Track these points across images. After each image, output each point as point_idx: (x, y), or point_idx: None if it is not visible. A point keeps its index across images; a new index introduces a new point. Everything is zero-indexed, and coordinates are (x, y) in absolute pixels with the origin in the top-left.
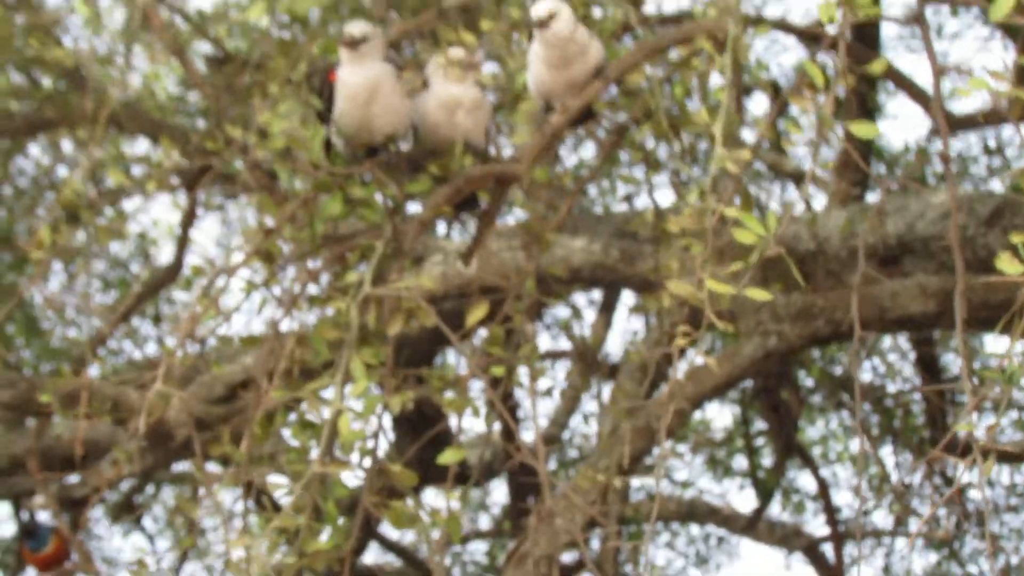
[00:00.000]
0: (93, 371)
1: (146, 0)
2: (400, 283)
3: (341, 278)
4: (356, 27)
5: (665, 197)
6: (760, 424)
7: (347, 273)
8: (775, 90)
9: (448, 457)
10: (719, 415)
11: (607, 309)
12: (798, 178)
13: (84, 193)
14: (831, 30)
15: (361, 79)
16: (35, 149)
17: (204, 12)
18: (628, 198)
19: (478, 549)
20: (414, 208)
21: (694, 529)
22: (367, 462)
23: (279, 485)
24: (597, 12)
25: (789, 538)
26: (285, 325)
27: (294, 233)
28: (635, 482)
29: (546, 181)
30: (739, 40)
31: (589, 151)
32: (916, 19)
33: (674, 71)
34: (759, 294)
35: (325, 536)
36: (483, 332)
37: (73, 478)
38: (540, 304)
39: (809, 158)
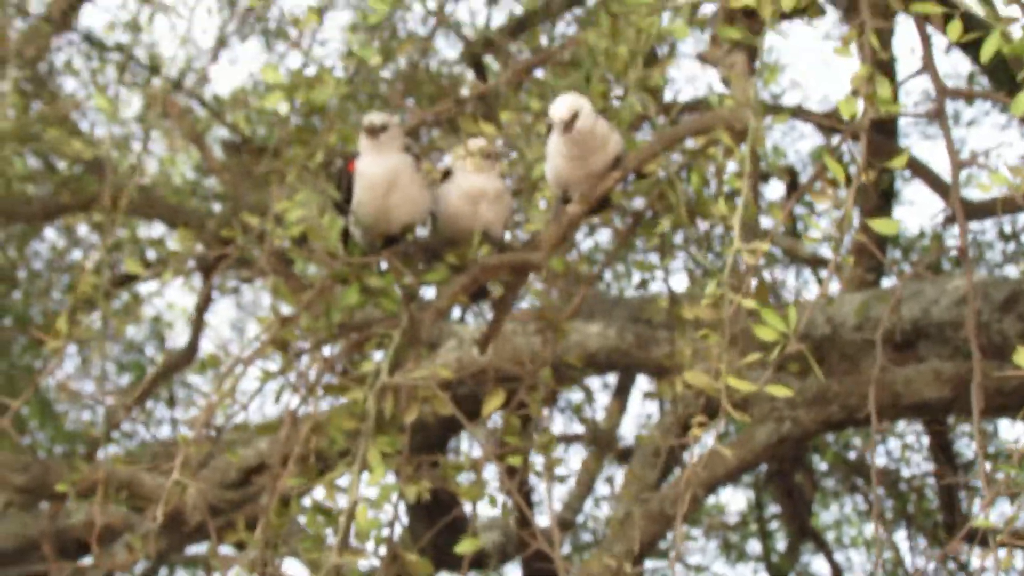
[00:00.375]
0: (107, 453)
1: (163, 87)
2: (417, 372)
3: (358, 367)
4: (377, 116)
5: (680, 283)
6: (774, 508)
7: (364, 362)
8: (792, 176)
9: (465, 547)
10: (733, 499)
11: (622, 393)
12: (814, 263)
13: (101, 283)
14: (850, 121)
15: (380, 169)
16: (51, 232)
17: (222, 98)
18: (643, 283)
19: None
20: (430, 294)
21: None
22: (382, 550)
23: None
24: (615, 102)
25: None
26: (301, 412)
27: (310, 322)
28: (648, 565)
29: (563, 270)
30: (757, 130)
31: (605, 236)
32: (936, 114)
33: (691, 160)
34: (779, 390)
35: None
36: (498, 415)
37: (87, 561)
38: (555, 390)
39: (826, 247)
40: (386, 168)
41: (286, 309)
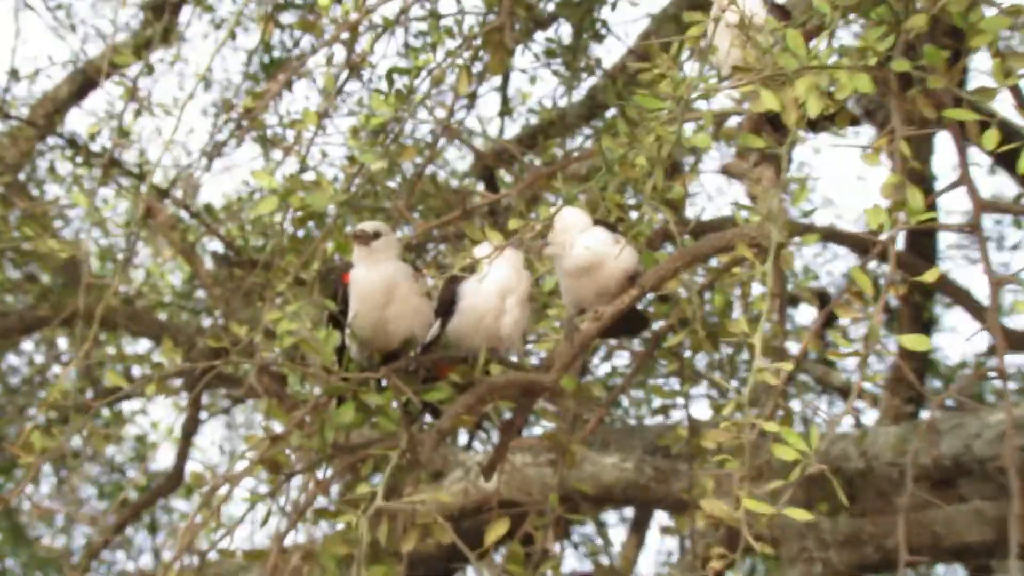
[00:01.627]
0: None
1: (150, 194)
2: (415, 497)
3: (352, 490)
4: (369, 224)
5: (702, 411)
6: None
7: (358, 484)
8: (823, 300)
9: None
10: None
11: (639, 528)
12: (847, 393)
13: (72, 394)
14: (882, 237)
15: (376, 278)
16: (29, 345)
17: (214, 208)
18: (663, 410)
19: None
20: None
21: None
22: None
23: None
24: (633, 214)
25: None
26: (291, 539)
27: (303, 441)
28: None
29: (575, 391)
30: (783, 248)
31: (622, 359)
32: (972, 228)
33: (714, 279)
34: (799, 514)
35: None
36: (504, 551)
37: None
38: (567, 522)
39: (857, 372)
40: (381, 276)
41: (278, 428)
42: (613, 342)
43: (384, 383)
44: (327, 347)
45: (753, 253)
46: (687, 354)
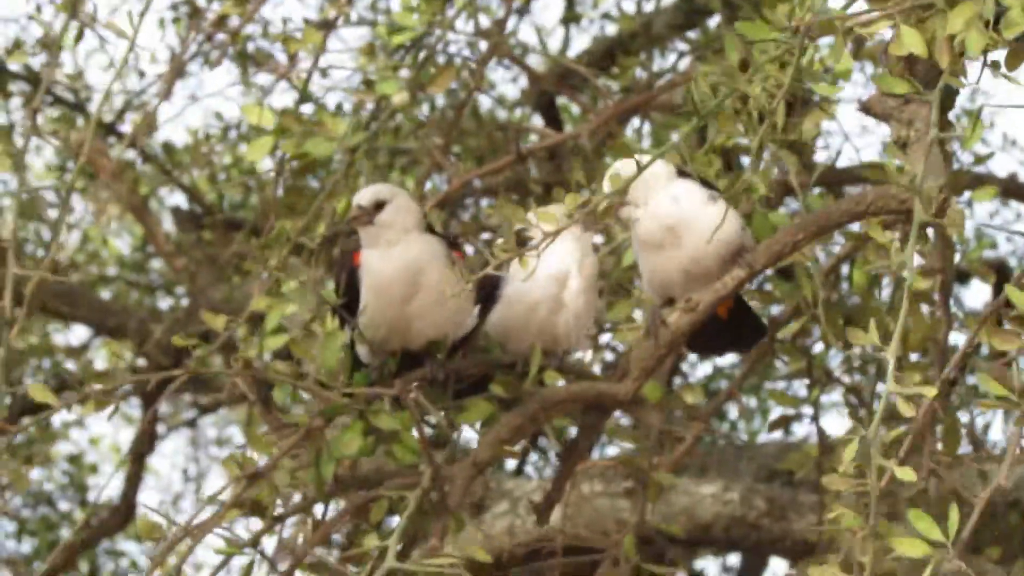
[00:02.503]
0: None
1: (90, 132)
2: (440, 558)
3: (357, 542)
4: (365, 193)
5: (837, 423)
6: None
7: (366, 535)
8: (1002, 274)
9: None
10: None
11: None
12: None
13: None
14: None
15: (395, 266)
16: None
17: (174, 148)
18: (783, 422)
19: None
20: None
21: None
22: None
23: None
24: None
25: None
26: None
27: (294, 475)
28: None
29: (660, 402)
30: (950, 206)
31: (728, 358)
32: None
33: (855, 250)
34: None
35: None
36: None
37: None
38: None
39: None
40: (404, 263)
41: (262, 460)
42: None
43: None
44: (328, 352)
45: (892, 231)
46: (816, 349)
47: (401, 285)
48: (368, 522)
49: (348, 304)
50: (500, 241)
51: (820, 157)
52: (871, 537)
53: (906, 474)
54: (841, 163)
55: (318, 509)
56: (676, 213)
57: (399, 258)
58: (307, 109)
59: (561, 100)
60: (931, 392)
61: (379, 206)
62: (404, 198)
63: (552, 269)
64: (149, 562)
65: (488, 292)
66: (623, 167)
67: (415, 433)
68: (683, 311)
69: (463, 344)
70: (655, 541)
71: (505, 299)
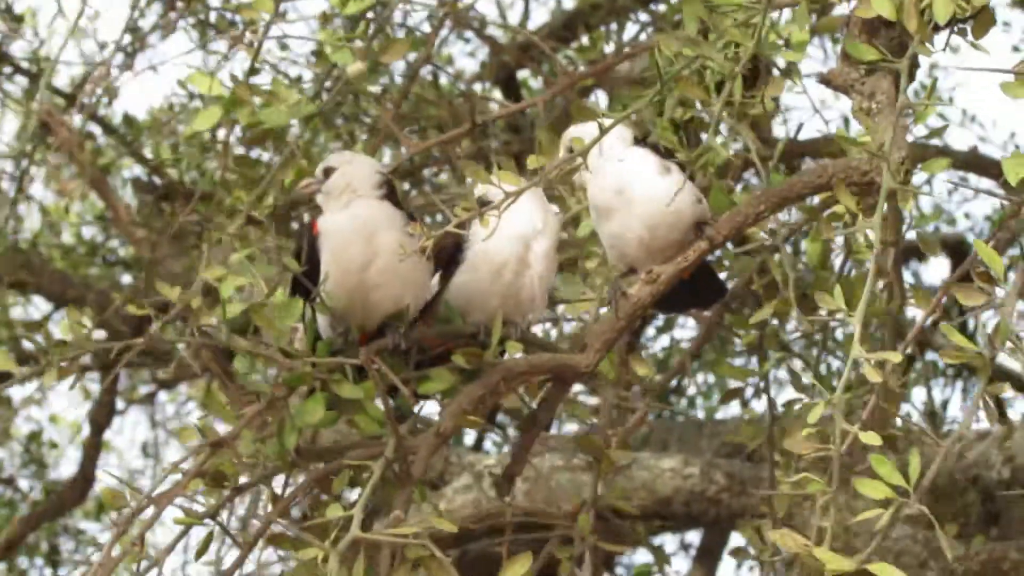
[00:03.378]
0: None
1: (47, 106)
2: (404, 528)
3: (320, 512)
4: (321, 165)
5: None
6: None
7: (329, 505)
8: (958, 252)
9: None
10: None
11: (707, 556)
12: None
13: None
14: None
15: (352, 227)
16: None
17: (135, 120)
18: (733, 394)
19: None
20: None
21: None
22: None
23: None
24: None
25: None
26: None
27: (256, 446)
28: None
29: (616, 377)
30: (902, 178)
31: (685, 331)
32: None
33: (808, 221)
34: (889, 571)
35: None
36: None
37: None
38: (608, 552)
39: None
40: (360, 224)
41: (222, 427)
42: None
43: (365, 369)
44: (287, 319)
45: (858, 201)
46: (772, 323)
47: (357, 246)
48: (329, 494)
49: (309, 275)
50: (457, 212)
51: (780, 132)
52: (833, 501)
53: (870, 438)
54: (801, 139)
55: (278, 481)
56: (624, 177)
57: (352, 218)
58: (262, 79)
59: (522, 74)
60: (896, 357)
61: (327, 172)
62: (354, 164)
63: (517, 229)
64: (111, 532)
65: (449, 257)
66: (582, 130)
67: (379, 403)
68: (644, 282)
69: (424, 313)
70: (609, 519)
71: (469, 262)
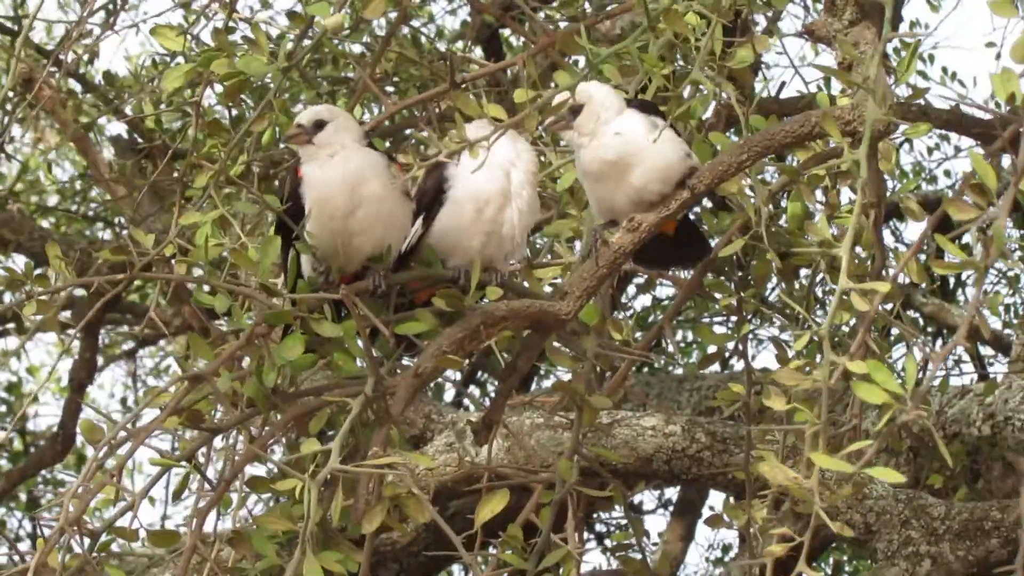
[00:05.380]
0: None
1: (28, 60)
2: (384, 459)
3: (297, 449)
4: (305, 114)
5: (769, 359)
6: None
7: (306, 442)
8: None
9: None
10: None
11: (686, 514)
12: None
13: None
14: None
15: (337, 176)
16: None
17: (116, 77)
18: (715, 357)
19: None
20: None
21: None
22: None
23: None
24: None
25: None
26: (215, 521)
27: (233, 385)
28: None
29: (598, 325)
30: (884, 135)
31: (666, 289)
32: None
33: (789, 182)
34: (889, 474)
35: None
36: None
37: None
38: (589, 505)
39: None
40: (345, 173)
41: (201, 365)
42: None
43: (344, 310)
44: (266, 257)
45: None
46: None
47: (343, 196)
48: (306, 435)
49: (290, 215)
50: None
51: (760, 89)
52: (823, 432)
53: (856, 366)
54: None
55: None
56: (619, 149)
57: (339, 169)
58: (235, 37)
59: (504, 32)
60: (884, 287)
61: (319, 126)
62: (345, 119)
63: (495, 159)
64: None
65: (432, 200)
66: (587, 88)
67: (359, 342)
68: (626, 230)
69: (407, 257)
70: (596, 474)
71: (451, 201)
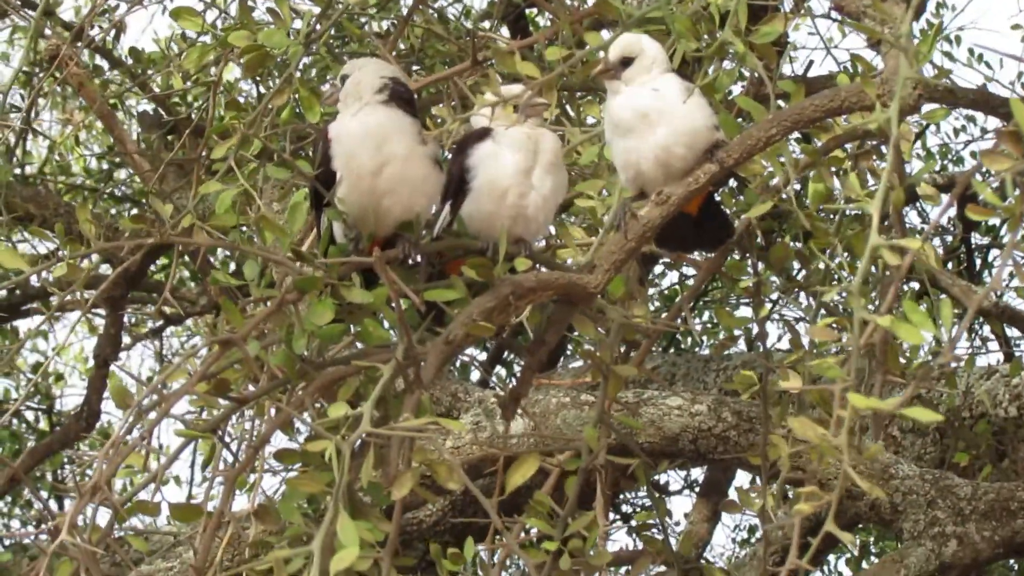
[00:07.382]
0: None
1: (56, 41)
2: (416, 421)
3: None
4: (341, 72)
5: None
6: None
7: (335, 406)
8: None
9: None
10: None
11: (712, 495)
12: (999, 317)
13: None
14: None
15: (362, 129)
16: None
17: (142, 54)
18: (732, 342)
19: None
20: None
21: None
22: None
23: None
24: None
25: None
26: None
27: (262, 354)
28: None
29: (625, 296)
30: (912, 110)
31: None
32: None
33: (811, 162)
34: (922, 413)
35: None
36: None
37: None
38: (615, 488)
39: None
40: (367, 127)
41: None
42: None
43: (374, 279)
44: (295, 223)
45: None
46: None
47: (367, 151)
48: (336, 403)
49: (320, 179)
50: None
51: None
52: (852, 389)
53: (886, 320)
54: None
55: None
56: (652, 104)
57: (361, 125)
58: (259, 14)
59: (531, 11)
60: (915, 244)
61: (344, 80)
62: (363, 70)
63: (519, 153)
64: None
65: (457, 187)
66: (628, 40)
67: (392, 307)
68: (654, 203)
69: (437, 238)
70: (622, 452)
71: (476, 190)
